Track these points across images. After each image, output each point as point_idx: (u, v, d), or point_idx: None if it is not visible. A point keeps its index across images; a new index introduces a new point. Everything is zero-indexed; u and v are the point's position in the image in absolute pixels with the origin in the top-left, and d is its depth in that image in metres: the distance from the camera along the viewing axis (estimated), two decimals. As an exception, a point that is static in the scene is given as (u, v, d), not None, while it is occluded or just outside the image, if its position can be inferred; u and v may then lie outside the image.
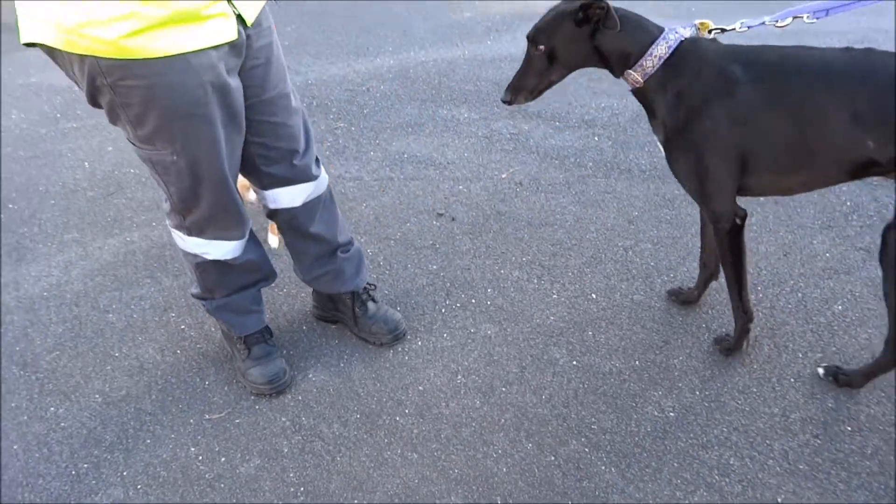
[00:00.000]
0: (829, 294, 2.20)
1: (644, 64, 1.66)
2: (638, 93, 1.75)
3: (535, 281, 2.35)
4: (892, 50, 1.55)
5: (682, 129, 1.68)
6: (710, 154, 1.68)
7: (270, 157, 1.79)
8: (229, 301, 1.94)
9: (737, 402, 1.84)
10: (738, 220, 1.77)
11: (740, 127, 1.63)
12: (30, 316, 2.31)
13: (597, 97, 3.61)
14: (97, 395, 1.99)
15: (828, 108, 1.56)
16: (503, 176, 2.99)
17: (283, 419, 1.88)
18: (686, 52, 1.66)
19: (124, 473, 1.76)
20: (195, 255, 1.81)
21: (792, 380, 1.90)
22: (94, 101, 1.50)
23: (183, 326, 2.23)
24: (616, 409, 1.85)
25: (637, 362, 2.00)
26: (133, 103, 1.45)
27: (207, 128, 1.55)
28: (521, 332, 2.14)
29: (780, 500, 1.59)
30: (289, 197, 1.89)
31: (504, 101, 1.78)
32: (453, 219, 2.71)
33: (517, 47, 4.28)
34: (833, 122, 1.56)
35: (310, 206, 1.93)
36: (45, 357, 2.14)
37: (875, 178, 1.88)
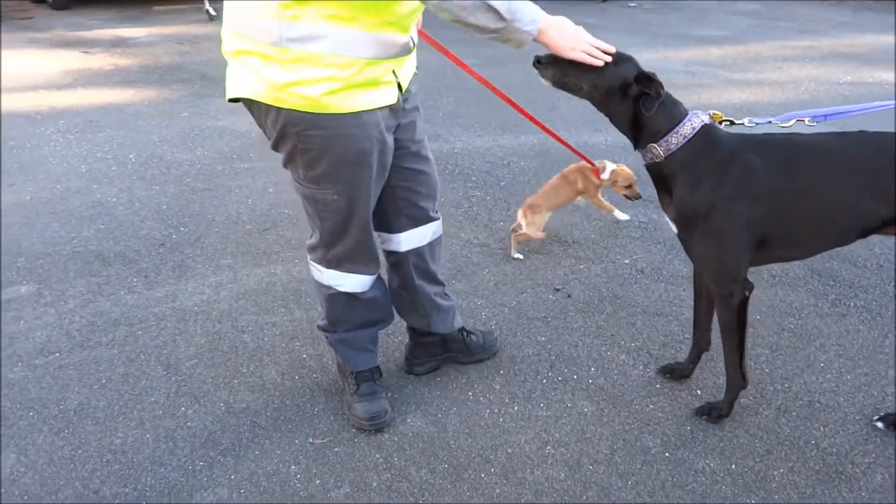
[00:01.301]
0: (962, 433, 2.04)
1: (669, 140, 1.80)
2: (653, 168, 1.87)
3: (641, 367, 2.36)
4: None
5: (701, 210, 1.81)
6: (729, 237, 1.83)
7: (411, 201, 2.03)
8: (349, 336, 2.13)
9: (836, 527, 1.75)
10: (746, 294, 1.90)
11: (758, 209, 1.79)
12: (180, 325, 2.62)
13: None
14: (222, 404, 2.22)
15: (836, 185, 1.80)
16: (626, 261, 3.03)
17: (378, 456, 2.01)
18: (706, 135, 1.81)
19: (232, 477, 1.94)
20: (329, 287, 2.01)
21: (903, 515, 1.78)
22: (276, 145, 1.79)
23: (304, 356, 2.44)
24: (703, 509, 1.81)
25: (734, 466, 1.94)
26: (312, 149, 1.73)
27: (366, 174, 1.81)
28: (617, 414, 2.15)
29: None
30: (419, 236, 2.10)
31: (536, 62, 1.80)
32: (569, 295, 2.78)
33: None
34: (842, 197, 1.80)
35: (433, 245, 2.16)
36: (185, 363, 2.42)
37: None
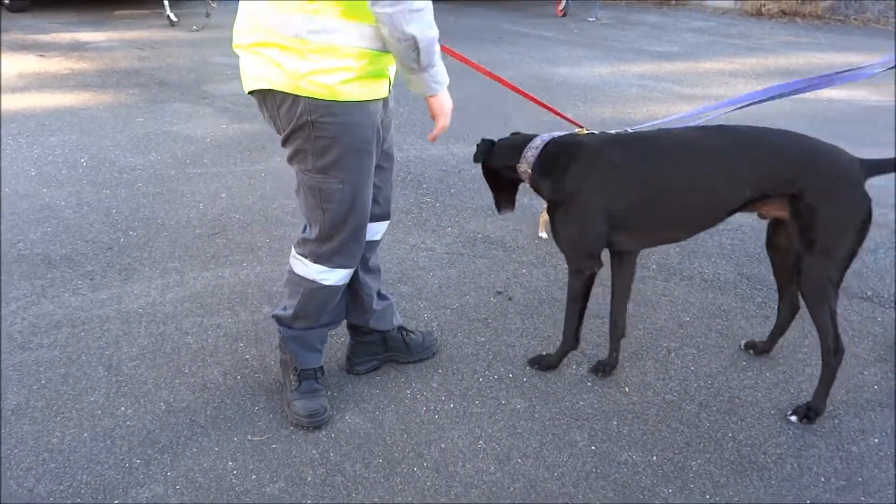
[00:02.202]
0: (867, 425, 2.17)
1: (526, 157, 2.22)
2: (531, 183, 2.25)
3: (574, 367, 2.45)
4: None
5: (561, 200, 2.18)
6: (584, 222, 2.16)
7: (376, 197, 2.11)
8: (305, 334, 2.18)
9: (745, 513, 1.85)
10: (595, 270, 2.26)
11: (620, 198, 2.11)
12: (123, 327, 2.64)
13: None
14: (162, 403, 2.25)
15: (698, 172, 2.08)
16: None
17: (314, 451, 2.06)
18: (558, 144, 2.21)
19: (168, 474, 1.97)
20: (313, 282, 2.07)
21: (808, 501, 1.89)
22: (289, 135, 1.87)
23: (247, 356, 2.48)
24: (623, 498, 1.90)
25: (654, 458, 2.04)
26: (324, 136, 1.83)
27: (369, 162, 1.94)
28: (548, 410, 2.23)
29: None
30: (374, 231, 2.18)
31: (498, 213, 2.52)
32: (510, 298, 2.87)
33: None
34: (704, 182, 2.07)
35: (378, 242, 2.24)
36: (127, 364, 2.44)
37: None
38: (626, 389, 2.34)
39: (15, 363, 2.42)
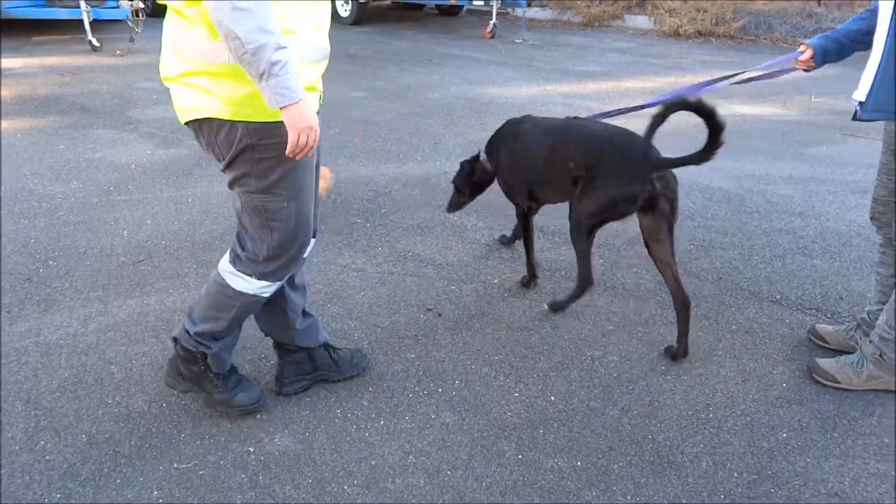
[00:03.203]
0: (777, 421, 2.30)
1: (482, 161, 3.11)
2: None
3: (502, 378, 2.51)
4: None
5: (498, 164, 3.04)
6: (509, 169, 3.00)
7: None
8: (231, 341, 2.22)
9: (664, 511, 1.93)
10: (526, 209, 3.06)
11: (519, 161, 2.93)
12: (43, 359, 2.56)
13: (599, 219, 3.84)
14: (84, 436, 2.19)
15: (554, 149, 2.76)
16: (495, 281, 3.20)
17: (243, 476, 2.04)
18: (491, 144, 3.10)
19: (90, 507, 1.93)
20: (252, 296, 2.08)
21: (721, 495, 1.99)
22: (231, 161, 1.87)
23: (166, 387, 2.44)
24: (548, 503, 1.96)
25: (579, 463, 2.11)
26: (266, 157, 1.85)
27: (310, 176, 1.99)
28: (477, 423, 2.28)
29: None
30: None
31: (447, 212, 3.38)
32: (440, 315, 2.91)
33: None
34: (556, 156, 2.72)
35: (305, 259, 2.22)
36: (46, 397, 2.36)
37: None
38: (552, 398, 2.41)
39: (-76, 402, 2.32)
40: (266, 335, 2.39)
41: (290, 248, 2.03)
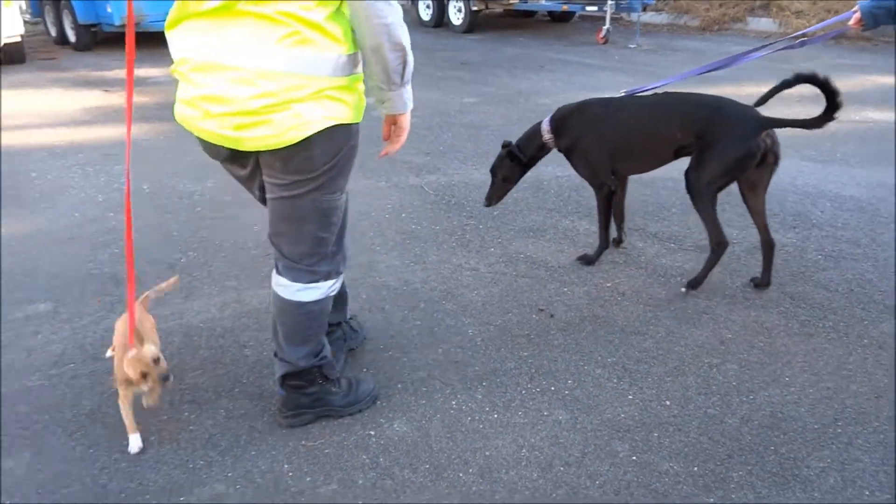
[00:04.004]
0: (913, 441, 2.17)
1: (542, 132, 3.19)
2: (557, 148, 3.23)
3: (615, 380, 2.50)
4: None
5: (576, 145, 3.16)
6: (589, 149, 3.11)
7: None
8: (326, 340, 2.33)
9: (787, 523, 1.88)
10: (612, 189, 3.20)
11: (610, 131, 3.06)
12: (185, 340, 2.80)
13: (717, 226, 3.75)
14: (222, 410, 2.38)
15: (656, 122, 2.99)
16: (608, 285, 3.19)
17: (364, 457, 2.16)
18: (559, 115, 3.20)
19: (229, 474, 2.10)
20: (327, 298, 2.20)
21: (850, 512, 1.91)
22: (333, 164, 1.96)
23: (301, 368, 2.61)
24: (664, 507, 1.95)
25: (696, 468, 2.08)
26: (352, 156, 2.04)
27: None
28: (590, 422, 2.29)
29: None
30: None
31: (484, 205, 3.40)
32: (552, 315, 2.94)
33: (650, 173, 4.53)
34: (660, 129, 2.96)
35: None
36: (189, 374, 2.59)
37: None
38: (668, 403, 2.38)
39: (88, 372, 2.59)
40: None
41: (343, 236, 2.19)
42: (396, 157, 5.01)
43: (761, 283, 3.07)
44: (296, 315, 2.17)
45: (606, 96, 3.20)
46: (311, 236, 2.09)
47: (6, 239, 3.72)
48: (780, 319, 2.87)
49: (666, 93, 3.03)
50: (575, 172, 3.35)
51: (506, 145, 3.28)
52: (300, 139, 1.86)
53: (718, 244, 2.97)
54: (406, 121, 2.03)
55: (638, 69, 8.35)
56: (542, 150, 3.25)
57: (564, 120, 3.17)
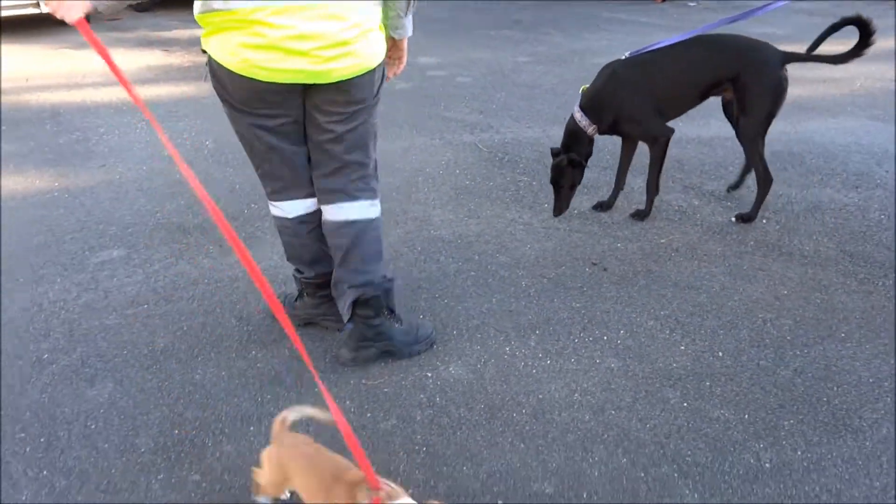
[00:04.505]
0: (972, 396, 2.15)
1: (578, 120, 3.21)
2: (600, 133, 3.25)
3: (668, 332, 2.54)
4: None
5: (621, 116, 3.18)
6: (638, 110, 3.16)
7: None
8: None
9: (837, 469, 1.91)
10: (669, 136, 3.20)
11: (651, 87, 3.12)
12: (250, 286, 2.92)
13: (776, 185, 3.68)
14: (286, 350, 2.51)
15: (691, 67, 3.12)
16: (662, 241, 3.20)
17: (422, 396, 2.26)
18: (597, 91, 3.20)
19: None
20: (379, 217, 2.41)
21: (903, 462, 1.92)
22: (377, 93, 2.18)
23: (360, 313, 2.71)
24: (714, 450, 1.99)
25: (747, 416, 2.12)
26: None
27: None
28: (642, 370, 2.34)
29: (855, 558, 1.65)
30: None
31: (554, 215, 3.34)
32: (605, 269, 2.97)
33: (709, 131, 4.46)
34: (695, 73, 3.12)
35: None
36: (255, 316, 2.72)
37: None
38: (720, 354, 2.40)
39: (161, 313, 2.75)
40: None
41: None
42: (450, 115, 5.05)
43: (735, 185, 3.57)
44: (371, 231, 2.33)
45: (620, 58, 3.21)
46: (372, 158, 2.29)
47: (79, 190, 3.92)
48: (838, 277, 2.84)
49: (694, 38, 3.13)
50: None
51: (557, 153, 3.26)
52: (376, 64, 2.10)
53: (767, 181, 3.22)
54: (407, 43, 2.32)
55: (696, 27, 8.11)
56: (591, 143, 3.27)
57: (599, 100, 3.17)
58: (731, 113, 3.29)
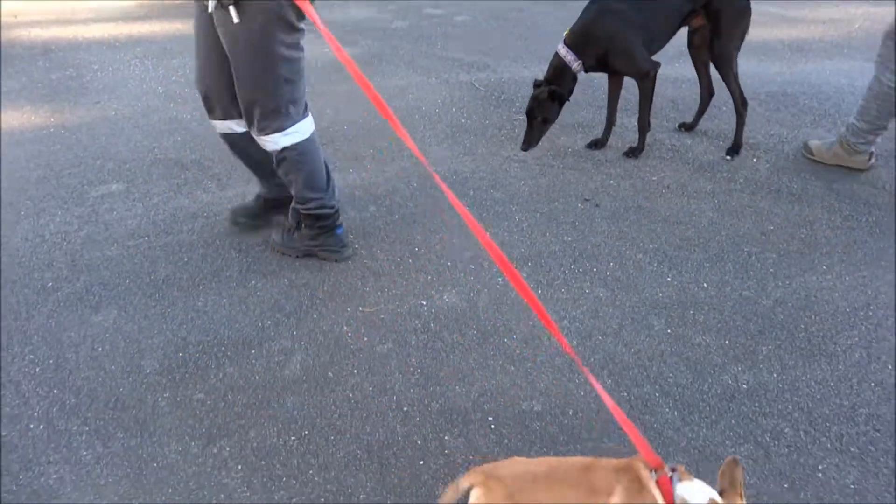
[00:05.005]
0: (943, 325, 2.25)
1: (565, 57, 3.18)
2: (587, 71, 3.28)
3: (655, 265, 2.61)
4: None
5: (611, 50, 3.17)
6: (628, 44, 3.16)
7: None
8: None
9: (810, 389, 2.01)
10: (657, 70, 3.23)
11: (640, 20, 3.11)
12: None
13: (769, 125, 3.72)
14: (285, 280, 2.58)
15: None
16: (654, 178, 3.25)
17: (417, 322, 2.34)
18: (584, 27, 3.19)
19: (294, 333, 2.31)
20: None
21: (872, 384, 2.02)
22: None
23: (357, 245, 2.78)
24: (694, 373, 2.09)
25: (727, 342, 2.21)
26: None
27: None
28: (629, 300, 2.43)
29: (820, 468, 1.77)
30: None
31: (522, 149, 3.32)
32: (597, 205, 3.03)
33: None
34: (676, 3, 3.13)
35: None
36: (254, 248, 2.78)
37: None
38: (705, 285, 2.49)
39: (162, 244, 2.81)
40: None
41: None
42: (447, 54, 5.02)
43: (690, 126, 3.68)
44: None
45: None
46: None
47: (76, 126, 3.93)
48: (823, 213, 2.91)
49: None
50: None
51: (540, 84, 3.23)
52: None
53: (744, 103, 3.35)
54: None
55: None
56: (574, 81, 3.26)
57: (587, 35, 3.15)
58: (695, 44, 3.38)
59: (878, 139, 3.17)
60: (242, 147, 2.59)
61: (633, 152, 3.44)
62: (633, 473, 1.33)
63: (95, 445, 1.92)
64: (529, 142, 3.26)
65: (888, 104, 2.99)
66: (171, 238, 2.86)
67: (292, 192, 2.55)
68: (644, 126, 3.40)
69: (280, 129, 2.35)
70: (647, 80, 3.26)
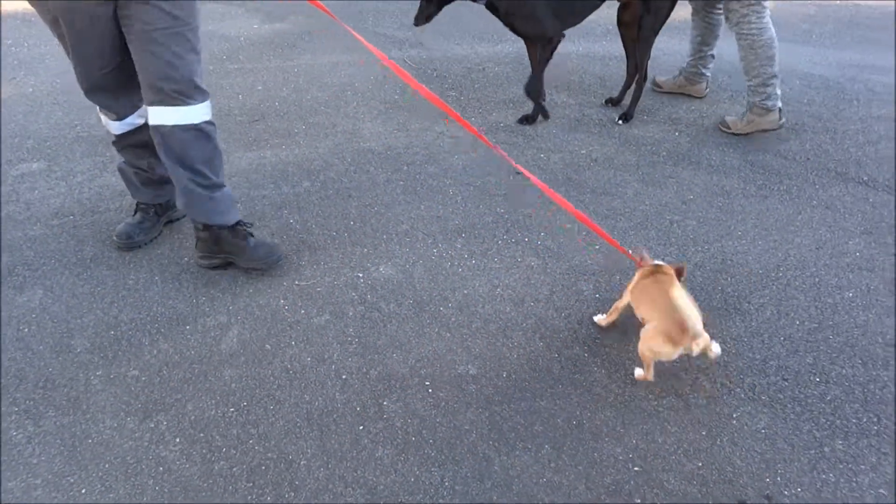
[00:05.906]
0: (844, 283, 2.43)
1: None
2: (489, 7, 3.32)
3: (584, 234, 2.71)
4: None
5: (521, 8, 3.26)
6: (540, 12, 3.26)
7: None
8: None
9: (725, 346, 2.14)
10: (559, 40, 3.40)
11: None
12: (180, 196, 2.93)
13: (689, 101, 3.88)
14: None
15: None
16: (582, 152, 3.36)
17: (353, 294, 2.37)
18: None
19: (230, 308, 2.31)
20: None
21: (781, 338, 2.18)
22: None
23: (291, 220, 2.78)
24: (622, 334, 2.20)
25: (651, 304, 2.33)
26: None
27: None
28: (559, 268, 2.52)
29: (735, 416, 1.90)
30: None
31: (414, 25, 3.33)
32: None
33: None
34: None
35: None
36: (186, 224, 2.74)
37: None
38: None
39: (88, 223, 2.74)
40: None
41: None
42: (379, 30, 5.00)
43: (616, 101, 3.83)
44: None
45: None
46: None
47: (-9, 103, 3.75)
48: (738, 183, 3.08)
49: None
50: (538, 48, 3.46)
51: None
52: None
53: (644, 78, 3.60)
54: None
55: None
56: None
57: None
58: (624, 20, 3.55)
59: (777, 90, 3.35)
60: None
61: (527, 119, 3.62)
62: None
63: (26, 425, 1.89)
64: (419, 18, 3.30)
65: (758, 50, 3.25)
66: (98, 217, 2.79)
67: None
68: (535, 92, 3.54)
69: None
70: (547, 48, 3.41)
